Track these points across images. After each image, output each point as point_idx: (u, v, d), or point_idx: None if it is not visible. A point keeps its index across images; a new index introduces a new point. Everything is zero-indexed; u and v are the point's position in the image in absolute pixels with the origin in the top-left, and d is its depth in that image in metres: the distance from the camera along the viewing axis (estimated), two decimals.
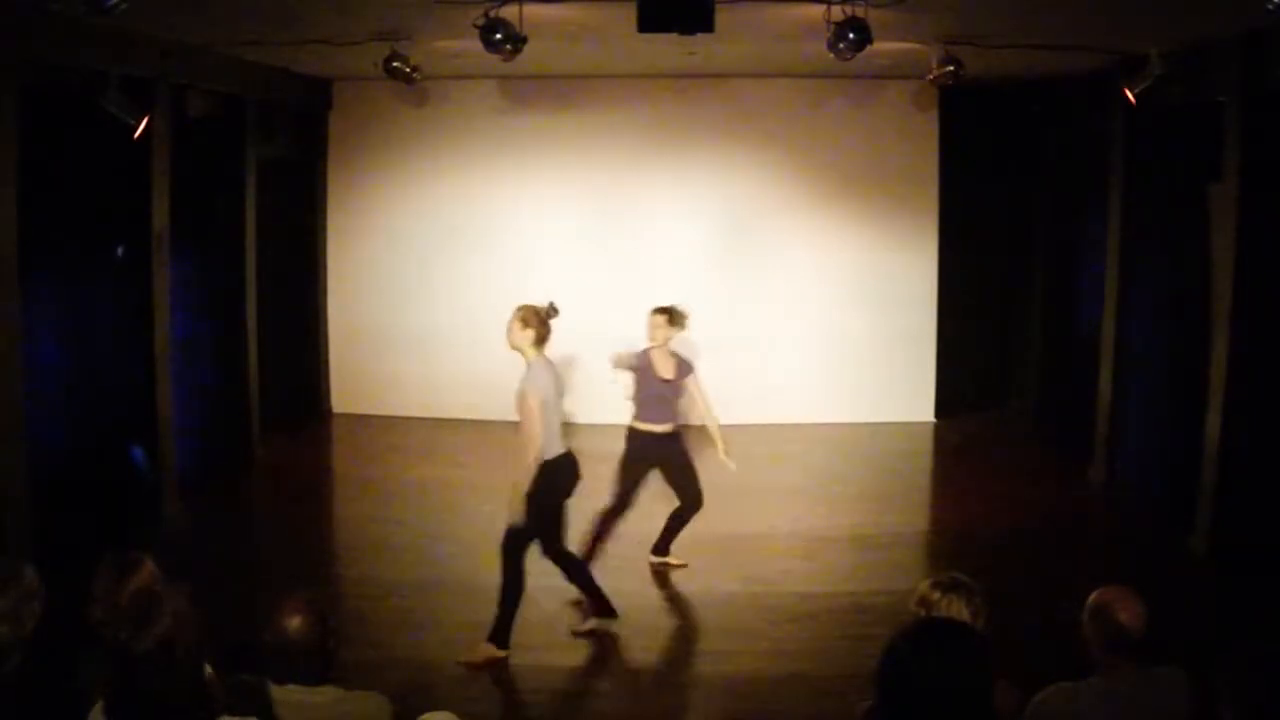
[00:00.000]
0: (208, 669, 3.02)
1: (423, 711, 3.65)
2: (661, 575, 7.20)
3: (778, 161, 11.13)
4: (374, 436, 10.93)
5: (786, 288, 11.11)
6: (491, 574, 7.16)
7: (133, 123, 7.23)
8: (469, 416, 11.06)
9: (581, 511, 6.49)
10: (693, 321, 7.11)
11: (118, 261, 7.84)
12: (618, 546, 7.68)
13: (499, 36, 6.32)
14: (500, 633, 5.89)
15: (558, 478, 5.82)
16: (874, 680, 2.37)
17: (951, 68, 7.79)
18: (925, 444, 10.78)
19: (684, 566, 7.14)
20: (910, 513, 8.77)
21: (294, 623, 3.13)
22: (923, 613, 3.33)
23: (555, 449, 5.80)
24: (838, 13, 6.25)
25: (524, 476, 5.66)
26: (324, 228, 11.51)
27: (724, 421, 7.13)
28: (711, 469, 7.10)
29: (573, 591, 6.38)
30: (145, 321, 7.95)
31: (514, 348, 5.78)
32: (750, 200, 11.15)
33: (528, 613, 6.69)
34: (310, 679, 3.14)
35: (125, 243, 7.87)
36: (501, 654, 5.87)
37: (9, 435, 6.22)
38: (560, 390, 5.84)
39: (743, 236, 11.16)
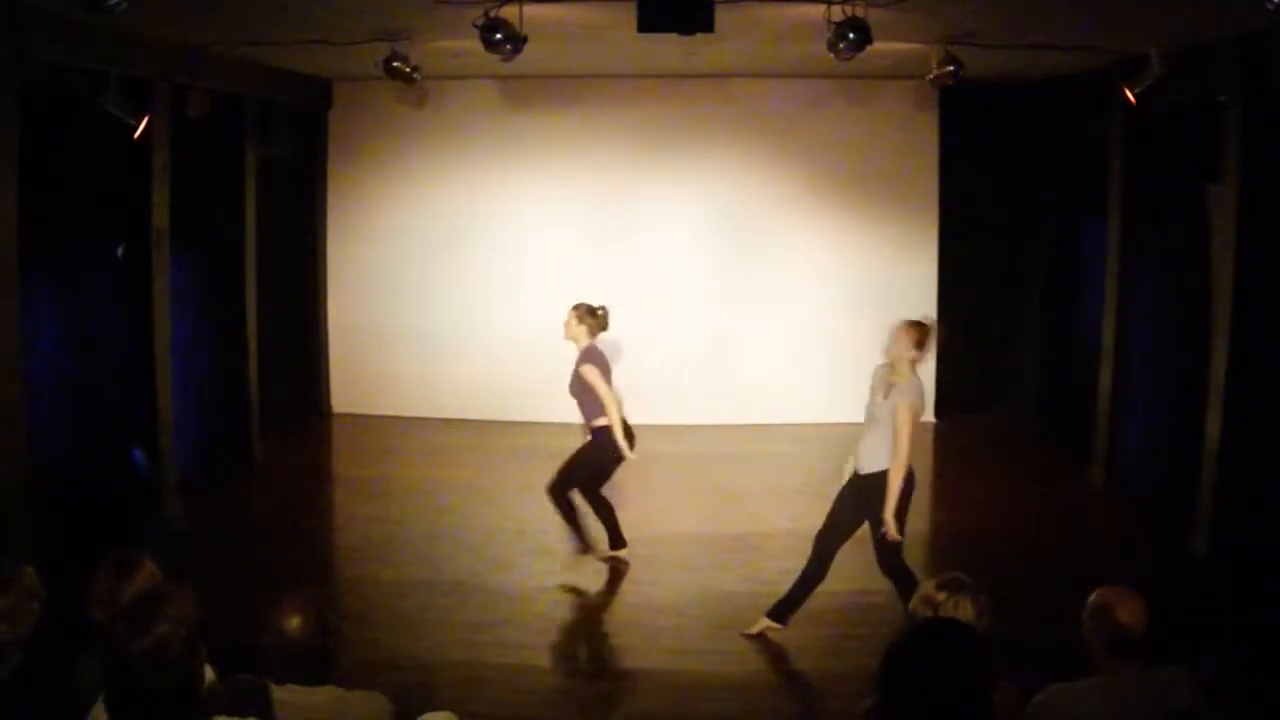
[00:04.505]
0: (208, 669, 3.03)
1: (423, 711, 3.65)
2: (660, 576, 7.20)
3: (778, 162, 11.13)
4: (374, 436, 10.93)
5: (786, 287, 11.12)
6: (491, 574, 7.19)
7: (133, 123, 7.24)
8: (469, 416, 11.07)
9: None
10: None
11: (118, 261, 7.84)
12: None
13: (499, 36, 6.32)
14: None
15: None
16: (875, 680, 2.37)
17: (951, 68, 7.79)
18: (925, 444, 10.77)
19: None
20: (910, 513, 8.73)
21: (294, 623, 3.13)
22: (927, 613, 3.33)
23: None
24: (838, 13, 6.25)
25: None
26: (324, 228, 11.51)
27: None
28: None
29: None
30: (145, 321, 7.95)
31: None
32: (750, 200, 11.14)
33: (527, 612, 6.70)
34: (310, 679, 3.14)
35: (125, 243, 7.87)
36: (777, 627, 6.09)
37: (9, 435, 6.21)
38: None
39: (742, 236, 11.16)
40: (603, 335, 7.23)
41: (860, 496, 5.94)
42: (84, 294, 7.44)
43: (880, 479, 5.84)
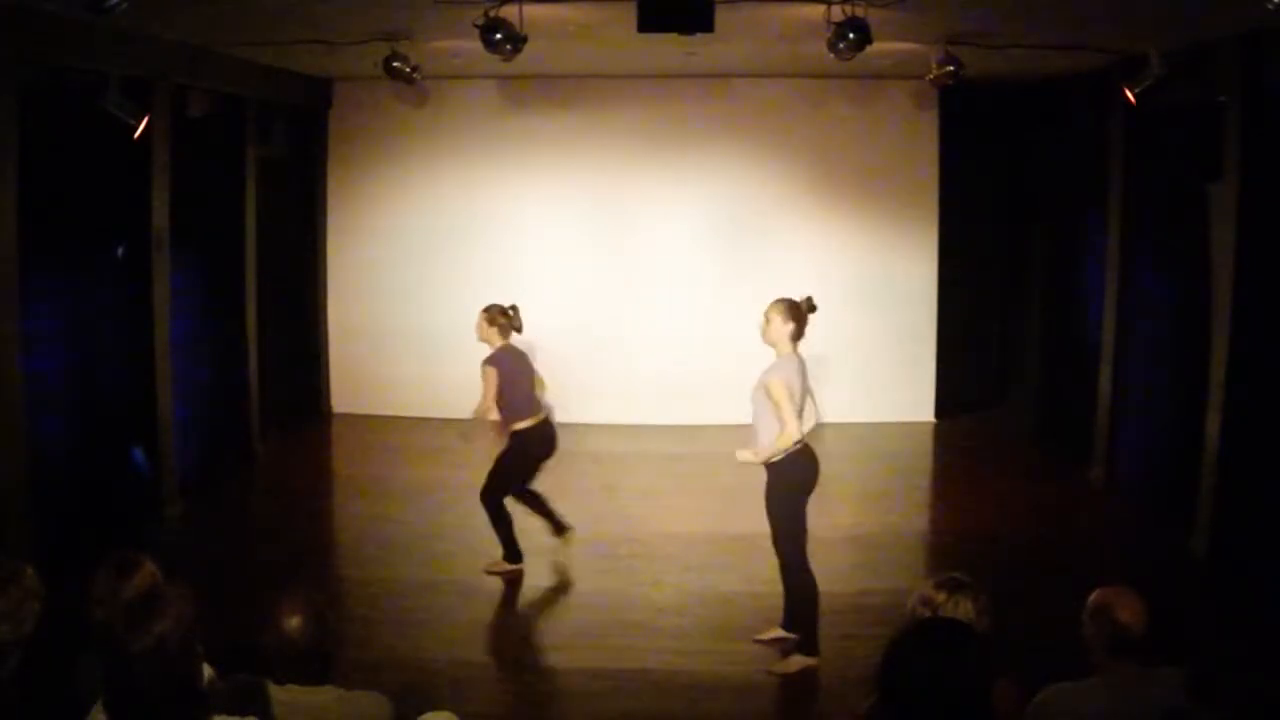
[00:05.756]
0: (207, 669, 3.03)
1: (423, 711, 3.65)
2: (661, 576, 7.20)
3: (778, 162, 11.13)
4: (374, 436, 10.93)
5: (786, 287, 11.04)
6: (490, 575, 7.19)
7: (133, 123, 7.23)
8: (469, 417, 11.04)
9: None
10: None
11: (118, 261, 7.84)
12: (622, 548, 7.69)
13: (499, 36, 6.32)
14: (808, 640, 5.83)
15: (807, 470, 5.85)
16: (874, 680, 2.38)
17: (951, 68, 7.78)
18: (925, 444, 10.78)
19: None
20: (910, 513, 8.76)
21: (293, 623, 3.13)
22: (926, 613, 3.33)
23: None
24: (838, 13, 6.25)
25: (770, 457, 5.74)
26: (324, 228, 11.51)
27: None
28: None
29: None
30: (145, 321, 7.95)
31: (770, 343, 5.95)
32: (750, 200, 11.15)
33: (526, 613, 6.70)
34: (310, 679, 3.14)
35: (125, 243, 7.87)
36: (813, 662, 5.80)
37: (9, 435, 6.22)
38: (806, 384, 5.90)
39: (742, 236, 11.16)
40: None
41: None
42: (84, 294, 7.44)
43: (772, 467, 5.85)
